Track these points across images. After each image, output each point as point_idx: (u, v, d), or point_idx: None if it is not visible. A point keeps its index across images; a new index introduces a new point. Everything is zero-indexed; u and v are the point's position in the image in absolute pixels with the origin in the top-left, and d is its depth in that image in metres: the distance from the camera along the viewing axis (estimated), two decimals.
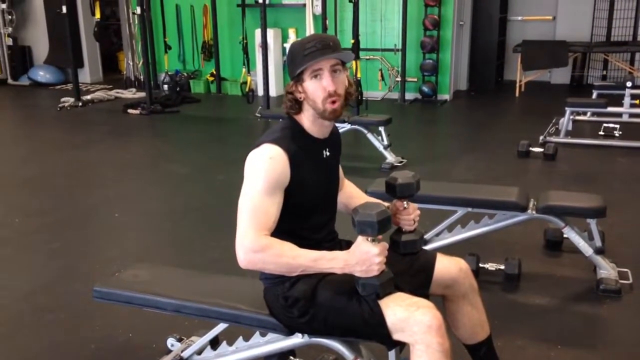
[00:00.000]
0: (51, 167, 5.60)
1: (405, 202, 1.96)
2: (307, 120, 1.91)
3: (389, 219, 1.71)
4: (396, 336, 1.77)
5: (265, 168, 1.80)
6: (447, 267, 2.03)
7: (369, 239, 1.70)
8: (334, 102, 1.83)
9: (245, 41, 8.23)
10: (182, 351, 2.39)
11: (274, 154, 1.80)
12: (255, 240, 1.74)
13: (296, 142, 1.86)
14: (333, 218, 2.09)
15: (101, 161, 5.84)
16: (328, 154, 1.99)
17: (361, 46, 7.46)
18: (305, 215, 1.93)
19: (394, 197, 1.97)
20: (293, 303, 1.89)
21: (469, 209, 3.20)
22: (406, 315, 1.73)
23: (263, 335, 2.16)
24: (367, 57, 8.49)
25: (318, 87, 1.82)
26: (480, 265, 3.18)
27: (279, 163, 1.80)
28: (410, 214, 1.94)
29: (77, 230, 3.97)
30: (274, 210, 1.80)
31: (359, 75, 6.97)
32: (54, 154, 6.09)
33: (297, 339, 2.00)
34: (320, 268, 1.77)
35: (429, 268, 2.02)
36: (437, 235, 3.33)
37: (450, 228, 3.32)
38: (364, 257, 1.70)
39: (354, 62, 7.04)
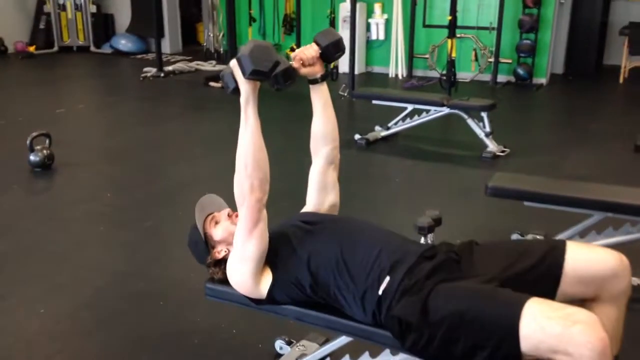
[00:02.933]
0: (138, 139, 5.51)
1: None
2: None
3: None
4: (536, 357, 1.44)
5: None
6: (599, 260, 1.67)
7: None
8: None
9: (332, 15, 7.91)
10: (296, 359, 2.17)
11: None
12: None
13: None
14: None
15: (187, 135, 5.71)
16: None
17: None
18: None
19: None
20: (405, 328, 1.60)
21: (609, 214, 2.82)
22: (559, 330, 1.39)
23: (394, 354, 1.90)
24: (459, 36, 8.00)
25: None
26: None
27: None
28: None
29: (169, 209, 3.82)
30: None
31: (453, 54, 6.55)
32: (140, 126, 6.01)
33: None
34: (246, 111, 1.73)
35: (556, 268, 1.67)
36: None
37: (582, 234, 2.95)
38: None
39: (449, 41, 6.63)
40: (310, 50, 1.92)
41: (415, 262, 1.70)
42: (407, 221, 2.77)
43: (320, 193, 2.06)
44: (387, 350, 1.91)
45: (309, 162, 2.07)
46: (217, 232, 1.93)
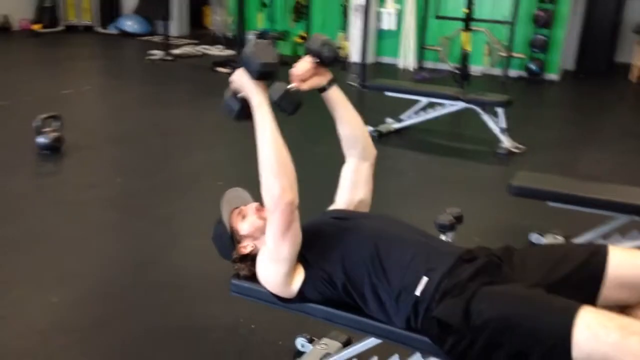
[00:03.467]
0: (146, 124, 5.43)
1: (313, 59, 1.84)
2: None
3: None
4: None
5: None
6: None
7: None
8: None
9: (346, 3, 7.80)
10: (321, 359, 2.12)
11: None
12: None
13: None
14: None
15: (197, 121, 5.63)
16: None
17: None
18: None
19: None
20: (445, 330, 1.55)
21: (635, 217, 2.77)
22: (615, 339, 1.33)
23: (425, 357, 1.85)
24: (472, 29, 7.89)
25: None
26: None
27: None
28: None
29: (182, 197, 3.75)
30: None
31: (467, 48, 6.46)
32: (147, 110, 5.93)
33: None
34: (261, 113, 1.67)
35: (598, 273, 1.62)
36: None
37: (606, 236, 2.91)
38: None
39: (463, 34, 6.54)
40: (303, 64, 1.86)
41: (454, 264, 1.65)
42: (422, 217, 2.72)
43: (352, 190, 2.02)
44: (418, 354, 1.85)
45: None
46: (243, 227, 1.87)
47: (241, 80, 1.72)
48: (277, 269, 1.74)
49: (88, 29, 10.64)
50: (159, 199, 3.70)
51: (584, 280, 1.63)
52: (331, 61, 1.85)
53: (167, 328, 2.43)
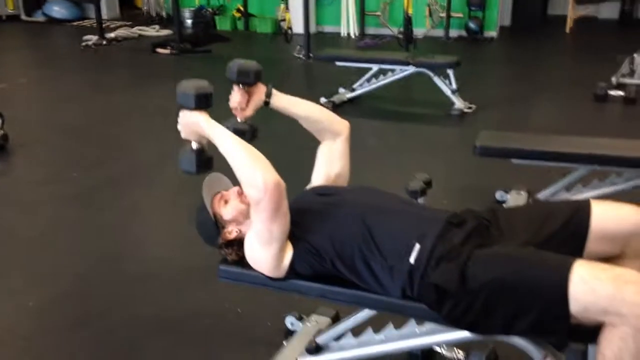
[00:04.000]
0: (93, 112, 5.24)
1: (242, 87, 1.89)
2: None
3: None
4: (583, 318, 1.42)
5: None
6: (624, 216, 1.67)
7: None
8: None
9: None
10: (314, 335, 2.13)
11: None
12: None
13: None
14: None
15: (144, 106, 5.46)
16: None
17: None
18: None
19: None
20: (442, 295, 1.58)
21: (595, 167, 2.88)
22: (610, 291, 1.37)
23: (420, 323, 1.88)
24: None
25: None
26: None
27: None
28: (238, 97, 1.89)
29: (143, 187, 3.66)
30: None
31: (410, 11, 6.49)
32: (91, 98, 5.72)
33: (466, 333, 1.69)
34: (213, 129, 1.72)
35: (583, 229, 1.67)
36: (553, 195, 3.03)
37: (568, 188, 3.01)
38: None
39: None
40: (235, 95, 1.90)
41: (442, 228, 1.67)
42: (391, 184, 2.75)
43: (328, 165, 2.03)
44: (412, 321, 1.89)
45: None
46: (227, 212, 1.85)
47: (185, 121, 1.75)
48: (267, 251, 1.73)
49: (12, 18, 10.10)
50: (119, 191, 3.60)
51: (569, 236, 1.68)
52: (255, 80, 1.90)
53: (151, 320, 2.39)
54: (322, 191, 1.92)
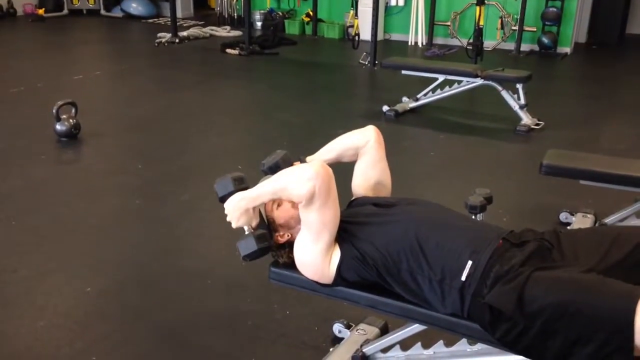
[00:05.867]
0: (161, 108, 5.40)
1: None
2: None
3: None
4: None
5: None
6: None
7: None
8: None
9: None
10: (361, 345, 2.11)
11: None
12: None
13: None
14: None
15: (211, 104, 5.59)
16: None
17: None
18: None
19: None
20: (497, 317, 1.53)
21: None
22: None
23: (472, 343, 1.84)
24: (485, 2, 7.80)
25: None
26: None
27: None
28: None
29: (204, 182, 3.69)
30: None
31: (481, 23, 6.37)
32: (161, 94, 5.88)
33: (520, 357, 1.64)
34: (263, 190, 1.74)
35: None
36: (622, 221, 2.90)
37: (638, 214, 2.88)
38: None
39: (477, 8, 6.44)
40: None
41: (500, 247, 1.62)
42: (450, 198, 2.69)
43: (362, 175, 1.99)
44: (464, 340, 1.84)
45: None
46: (279, 215, 1.85)
47: (231, 207, 1.75)
48: (317, 245, 1.72)
49: (92, 12, 10.54)
50: (180, 184, 3.68)
51: (635, 266, 1.60)
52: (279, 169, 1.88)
53: (203, 316, 2.43)
54: (378, 201, 1.89)
